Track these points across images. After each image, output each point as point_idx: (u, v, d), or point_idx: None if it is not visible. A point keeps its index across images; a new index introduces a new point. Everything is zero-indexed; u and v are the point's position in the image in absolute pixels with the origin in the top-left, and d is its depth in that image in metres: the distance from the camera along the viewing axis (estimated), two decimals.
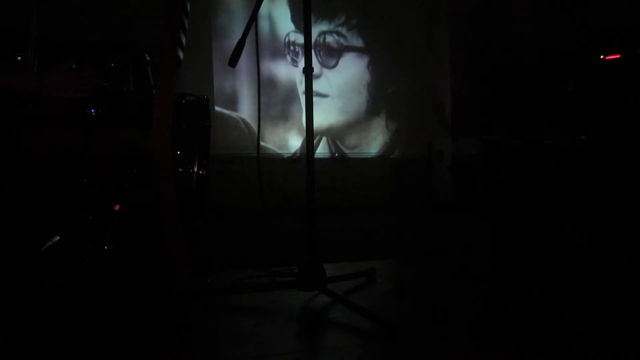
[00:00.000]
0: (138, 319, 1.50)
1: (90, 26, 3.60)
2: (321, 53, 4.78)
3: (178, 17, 1.75)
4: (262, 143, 4.55)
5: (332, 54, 4.82)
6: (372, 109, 4.97)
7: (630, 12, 3.87)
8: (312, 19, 1.67)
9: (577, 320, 1.47)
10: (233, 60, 1.58)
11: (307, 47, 1.60)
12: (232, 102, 4.49)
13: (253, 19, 1.62)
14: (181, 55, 1.90)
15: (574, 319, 1.47)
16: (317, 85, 4.61)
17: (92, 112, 1.83)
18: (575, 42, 4.28)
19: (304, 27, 1.61)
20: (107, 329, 1.42)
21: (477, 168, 4.16)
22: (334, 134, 4.85)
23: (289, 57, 4.68)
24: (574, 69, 2.83)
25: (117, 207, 1.85)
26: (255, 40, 1.83)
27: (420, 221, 3.89)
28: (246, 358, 1.21)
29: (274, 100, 4.60)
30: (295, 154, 4.68)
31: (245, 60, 3.80)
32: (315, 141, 4.40)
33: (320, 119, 4.73)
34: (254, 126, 4.49)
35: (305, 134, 1.64)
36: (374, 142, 4.99)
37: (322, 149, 4.81)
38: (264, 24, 4.57)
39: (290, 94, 4.66)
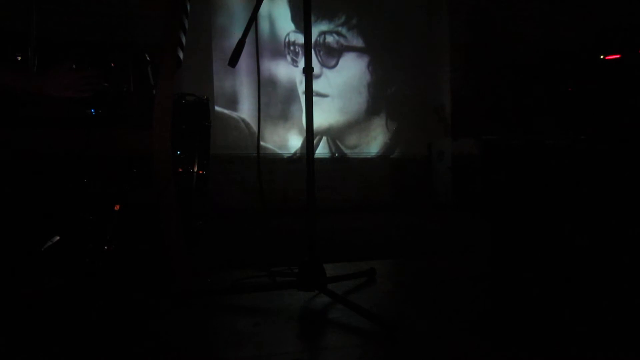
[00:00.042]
0: (138, 319, 1.50)
1: (90, 26, 3.60)
2: (321, 53, 4.78)
3: (178, 17, 1.75)
4: (262, 143, 4.55)
5: (332, 54, 4.82)
6: (372, 109, 4.97)
7: (630, 12, 3.87)
8: (312, 19, 1.67)
9: (577, 320, 1.47)
10: (233, 60, 1.58)
11: (307, 47, 1.60)
12: (232, 102, 4.49)
13: (253, 19, 1.62)
14: (181, 55, 1.91)
15: (574, 319, 1.47)
16: (317, 85, 4.61)
17: (92, 112, 1.83)
18: (575, 42, 4.28)
19: (304, 27, 1.61)
20: (107, 329, 1.42)
21: (477, 168, 4.15)
22: (334, 134, 4.85)
23: (289, 57, 4.68)
24: (574, 69, 2.83)
25: (117, 207, 1.85)
26: (255, 40, 1.83)
27: (420, 221, 3.89)
28: (246, 358, 1.21)
29: (274, 100, 4.60)
30: (295, 154, 4.68)
31: (245, 60, 3.80)
32: (315, 141, 4.40)
33: (320, 119, 4.73)
34: (254, 126, 4.49)
35: (305, 134, 1.64)
36: (374, 142, 4.99)
37: (322, 149, 4.81)
38: (264, 24, 4.57)
39: (290, 94, 4.66)
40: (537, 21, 4.75)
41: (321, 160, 4.69)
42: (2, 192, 1.68)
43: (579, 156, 2.15)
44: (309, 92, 1.60)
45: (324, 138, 4.82)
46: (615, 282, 1.84)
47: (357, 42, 4.91)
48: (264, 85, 4.43)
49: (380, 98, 4.99)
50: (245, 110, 4.53)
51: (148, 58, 2.09)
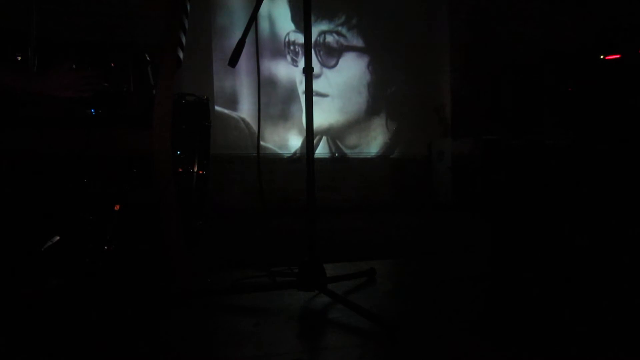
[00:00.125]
0: (138, 319, 1.50)
1: (90, 26, 3.60)
2: (321, 53, 4.78)
3: (178, 17, 1.75)
4: (262, 143, 4.55)
5: (332, 54, 4.82)
6: (372, 109, 4.97)
7: (630, 12, 3.87)
8: (312, 18, 1.67)
9: (577, 320, 1.47)
10: (233, 60, 1.58)
11: (307, 47, 1.60)
12: (232, 102, 4.49)
13: (253, 18, 1.62)
14: (181, 55, 1.91)
15: (574, 319, 1.47)
16: (317, 85, 4.61)
17: (92, 112, 1.83)
18: (575, 42, 4.28)
19: (304, 27, 1.61)
20: (107, 329, 1.42)
21: (477, 168, 4.16)
22: (334, 134, 4.85)
23: (289, 57, 4.68)
24: (574, 69, 2.83)
25: (117, 207, 1.85)
26: (255, 40, 1.83)
27: (420, 221, 3.89)
28: (246, 358, 1.21)
29: (274, 100, 4.60)
30: (295, 154, 4.68)
31: (245, 60, 3.80)
32: (315, 141, 4.40)
33: (320, 119, 4.73)
34: (254, 126, 4.49)
35: (305, 134, 1.64)
36: (374, 142, 4.99)
37: (322, 149, 4.81)
38: (264, 24, 4.57)
39: (290, 94, 4.66)
40: (537, 21, 4.75)
41: (321, 160, 4.69)
42: (2, 192, 1.68)
43: (579, 156, 2.14)
44: (309, 92, 1.60)
45: (324, 138, 4.82)
46: (615, 282, 1.84)
47: (357, 42, 4.91)
48: (264, 85, 4.43)
49: (380, 98, 4.99)
50: (245, 110, 4.53)
51: (148, 58, 2.09)
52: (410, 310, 1.61)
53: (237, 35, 2.01)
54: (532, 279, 1.95)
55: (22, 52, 1.80)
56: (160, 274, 1.83)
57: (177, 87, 1.79)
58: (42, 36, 1.84)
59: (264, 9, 4.52)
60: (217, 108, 4.37)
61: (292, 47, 4.68)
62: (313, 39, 4.58)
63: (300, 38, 4.60)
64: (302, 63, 3.18)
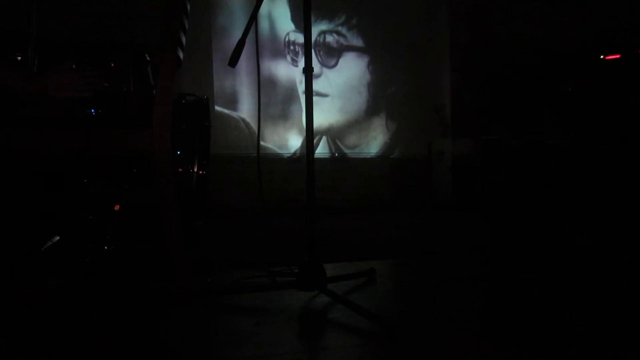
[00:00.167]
0: (138, 319, 1.50)
1: (90, 26, 3.60)
2: (321, 53, 4.78)
3: (178, 17, 1.75)
4: (262, 143, 4.55)
5: (332, 54, 4.82)
6: (372, 109, 4.97)
7: (630, 12, 3.87)
8: (312, 18, 1.67)
9: (577, 320, 1.47)
10: (233, 60, 1.58)
11: (307, 47, 1.60)
12: (232, 102, 4.49)
13: (253, 19, 1.62)
14: (181, 55, 1.91)
15: (574, 319, 1.47)
16: (317, 85, 4.61)
17: (92, 112, 1.83)
18: (575, 42, 4.28)
19: (304, 27, 1.61)
20: (107, 329, 1.42)
21: (477, 168, 4.16)
22: (334, 134, 4.85)
23: (289, 57, 4.68)
24: (574, 69, 2.83)
25: (117, 207, 1.85)
26: (255, 40, 1.83)
27: (420, 221, 3.89)
28: (246, 358, 1.21)
29: (274, 100, 4.60)
30: (295, 154, 4.68)
31: (245, 60, 3.80)
32: (315, 141, 4.40)
33: (320, 119, 4.73)
34: (254, 126, 4.49)
35: (305, 134, 1.64)
36: (374, 142, 5.00)
37: (322, 149, 4.81)
38: (264, 24, 4.57)
39: (290, 94, 4.66)
40: (537, 21, 4.75)
41: (321, 160, 4.69)
42: (2, 192, 1.68)
43: (579, 156, 2.15)
44: (309, 92, 1.60)
45: (324, 138, 4.82)
46: (615, 282, 1.84)
47: (357, 42, 4.91)
48: (264, 85, 4.43)
49: (380, 98, 4.99)
50: (245, 110, 4.53)
51: (148, 58, 2.09)
52: (410, 310, 1.61)
53: (237, 35, 2.01)
54: (532, 279, 1.95)
55: (22, 52, 1.80)
56: (160, 274, 1.83)
57: (177, 87, 1.79)
58: (42, 36, 1.84)
59: (264, 9, 4.52)
60: (217, 108, 4.37)
61: (292, 47, 4.68)
62: (313, 39, 4.58)
63: (300, 38, 4.60)
64: (302, 63, 3.18)
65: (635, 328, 1.40)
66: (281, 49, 4.65)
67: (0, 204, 1.68)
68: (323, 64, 4.78)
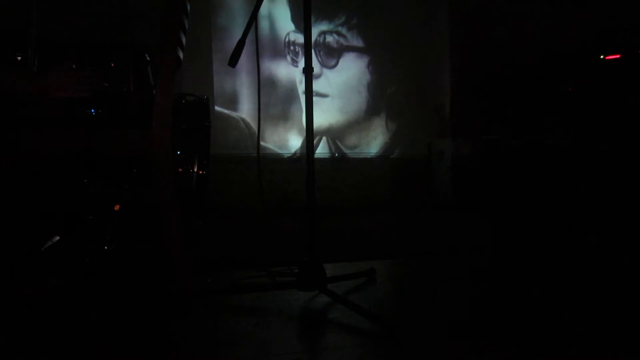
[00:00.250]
0: (138, 319, 1.50)
1: (90, 26, 3.60)
2: (321, 53, 4.78)
3: (178, 17, 1.75)
4: (262, 143, 4.55)
5: (332, 54, 4.82)
6: (372, 109, 4.97)
7: (630, 12, 3.87)
8: (312, 19, 1.67)
9: (577, 320, 1.47)
10: (233, 60, 1.58)
11: (307, 47, 1.60)
12: (232, 102, 4.49)
13: (253, 19, 1.62)
14: (181, 55, 1.90)
15: (574, 319, 1.47)
16: (317, 85, 4.61)
17: (92, 112, 1.83)
18: (575, 42, 4.28)
19: (304, 27, 1.61)
20: (107, 329, 1.42)
21: (477, 168, 4.16)
22: (334, 134, 4.85)
23: (289, 57, 4.68)
24: (574, 69, 2.83)
25: (117, 207, 1.85)
26: (255, 40, 1.83)
27: (420, 221, 3.89)
28: (246, 358, 1.21)
29: (274, 100, 4.60)
30: (295, 154, 4.68)
31: (245, 60, 3.80)
32: (315, 141, 4.40)
33: (320, 119, 4.73)
34: (254, 126, 4.49)
35: (305, 134, 1.64)
36: (374, 142, 5.00)
37: (322, 149, 4.81)
38: (264, 24, 4.57)
39: (290, 94, 4.66)
40: (537, 21, 4.75)
41: (321, 160, 4.69)
42: (2, 192, 1.68)
43: (579, 156, 2.15)
44: (309, 92, 1.60)
45: (324, 138, 4.82)
46: (615, 282, 1.84)
47: (357, 42, 4.91)
48: (264, 85, 4.43)
49: (380, 98, 4.99)
50: (245, 110, 4.53)
51: (148, 58, 2.09)
52: (410, 310, 1.62)
53: (237, 35, 2.01)
54: (532, 279, 1.95)
55: (22, 52, 1.80)
56: (160, 274, 1.83)
57: (177, 87, 1.79)
58: (42, 36, 1.84)
59: (264, 9, 4.52)
60: (217, 108, 4.37)
61: (292, 47, 4.68)
62: (313, 39, 4.58)
63: (300, 38, 4.60)
64: (302, 63, 3.18)
65: (635, 328, 1.40)
66: (281, 49, 4.65)
67: (0, 204, 1.68)
68: (323, 64, 4.78)
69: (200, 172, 2.15)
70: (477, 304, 1.69)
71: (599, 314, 1.52)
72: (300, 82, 4.63)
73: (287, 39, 4.67)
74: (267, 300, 1.66)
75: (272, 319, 1.49)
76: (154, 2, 3.74)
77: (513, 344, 1.29)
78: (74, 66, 1.72)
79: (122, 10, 3.80)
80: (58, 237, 1.76)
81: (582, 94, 2.66)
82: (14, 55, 1.81)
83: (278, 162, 4.58)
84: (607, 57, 2.59)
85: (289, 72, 4.65)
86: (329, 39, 4.81)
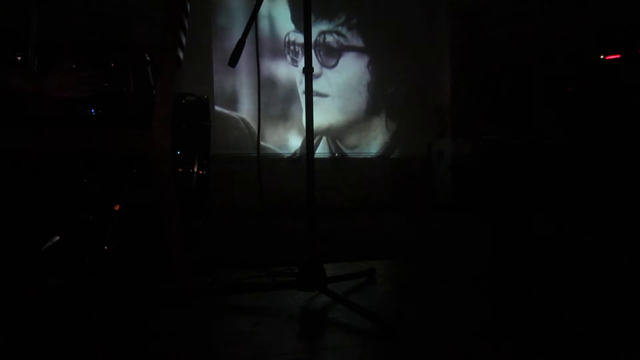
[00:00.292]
0: (138, 319, 1.50)
1: (90, 26, 3.60)
2: (321, 53, 4.78)
3: (178, 17, 1.75)
4: (262, 143, 4.55)
5: (332, 54, 4.82)
6: (372, 109, 4.97)
7: (630, 12, 3.87)
8: (312, 18, 1.68)
9: (577, 320, 1.47)
10: (233, 60, 1.58)
11: (307, 47, 1.60)
12: (232, 102, 4.49)
13: (253, 18, 1.62)
14: (181, 55, 1.90)
15: (574, 319, 1.47)
16: (317, 85, 4.61)
17: (92, 112, 1.83)
18: (575, 42, 4.28)
19: (304, 27, 1.61)
20: (107, 329, 1.42)
21: (477, 168, 4.16)
22: (334, 134, 4.85)
23: (289, 57, 4.68)
24: (574, 69, 2.83)
25: (117, 207, 1.85)
26: (255, 40, 1.83)
27: (420, 221, 3.89)
28: (246, 358, 1.21)
29: (274, 100, 4.60)
30: (295, 154, 4.68)
31: (245, 60, 3.81)
32: (315, 141, 4.40)
33: (320, 119, 4.73)
34: (254, 126, 4.49)
35: (305, 134, 1.65)
36: (374, 142, 5.00)
37: (322, 149, 4.81)
38: (264, 24, 4.57)
39: (290, 94, 4.66)
40: (537, 21, 4.75)
41: (321, 160, 4.69)
42: (2, 192, 1.68)
43: (579, 156, 2.15)
44: (309, 92, 1.60)
45: (324, 138, 4.82)
46: (615, 282, 1.84)
47: (357, 42, 4.91)
48: (264, 85, 4.43)
49: (380, 98, 4.99)
50: (245, 110, 4.53)
51: (148, 58, 2.09)
52: (410, 310, 1.62)
53: (237, 35, 2.02)
54: (532, 279, 1.95)
55: (22, 52, 1.80)
56: (160, 274, 1.83)
57: (177, 87, 1.79)
58: (42, 36, 1.84)
59: (264, 9, 4.52)
60: (217, 108, 4.37)
61: (292, 47, 4.68)
62: (313, 39, 4.58)
63: (300, 38, 4.60)
64: (302, 63, 3.18)
65: (635, 328, 1.40)
66: (281, 49, 4.65)
67: (0, 204, 1.68)
68: (323, 64, 4.78)
69: (200, 172, 2.15)
70: (477, 304, 1.69)
71: (599, 314, 1.52)
72: (300, 82, 4.63)
73: (287, 39, 4.67)
74: (267, 300, 1.66)
75: (272, 319, 1.50)
76: (154, 2, 3.75)
77: (513, 344, 1.29)
78: (74, 66, 1.72)
79: (122, 10, 3.80)
80: (58, 237, 1.76)
81: (582, 94, 2.66)
82: (14, 55, 1.81)
83: (278, 162, 4.58)
84: (607, 57, 2.59)
85: (289, 72, 4.65)
86: (329, 38, 4.81)
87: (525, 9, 4.77)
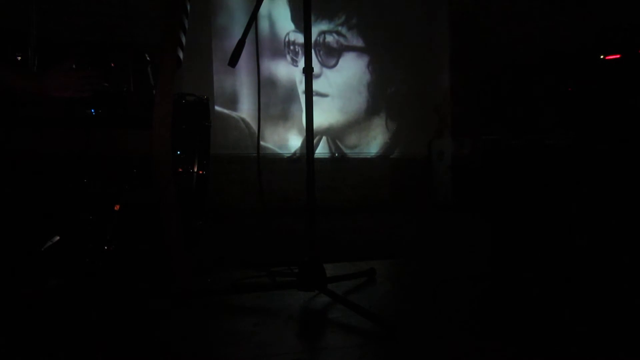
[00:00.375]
0: (138, 319, 1.50)
1: (90, 26, 3.60)
2: (321, 53, 4.78)
3: (178, 17, 1.75)
4: (262, 143, 4.55)
5: (332, 54, 4.82)
6: (372, 109, 4.97)
7: (630, 12, 3.87)
8: (312, 18, 1.67)
9: (577, 320, 1.47)
10: (233, 60, 1.58)
11: (307, 47, 1.60)
12: (232, 102, 4.49)
13: (253, 18, 1.62)
14: (181, 55, 1.91)
15: (574, 319, 1.47)
16: (317, 85, 4.61)
17: (92, 112, 1.83)
18: (575, 42, 4.28)
19: (304, 27, 1.61)
20: (107, 329, 1.42)
21: (477, 168, 4.16)
22: (334, 134, 4.85)
23: (289, 57, 4.68)
24: (574, 69, 2.83)
25: (117, 207, 1.85)
26: (255, 40, 1.83)
27: (420, 221, 3.89)
28: (246, 358, 1.21)
29: (274, 100, 4.60)
30: (295, 154, 4.68)
31: (245, 60, 3.80)
32: (315, 141, 4.40)
33: (320, 119, 4.73)
34: (254, 126, 4.49)
35: (305, 134, 1.65)
36: (374, 142, 4.99)
37: (322, 149, 4.81)
38: (264, 24, 4.57)
39: (290, 94, 4.66)
40: (537, 21, 4.75)
41: (321, 160, 4.69)
42: (2, 192, 1.68)
43: (579, 156, 2.15)
44: (309, 92, 1.60)
45: (324, 138, 4.82)
46: (615, 282, 1.84)
47: (357, 42, 4.91)
48: (264, 85, 4.43)
49: (380, 98, 4.99)
50: (245, 110, 4.53)
51: (148, 58, 2.09)
52: (410, 310, 1.62)
53: (237, 35, 2.02)
54: (532, 279, 1.95)
55: (22, 52, 1.80)
56: (160, 274, 1.83)
57: (177, 87, 1.79)
58: (42, 36, 1.84)
59: (264, 9, 4.52)
60: (217, 108, 4.37)
61: (292, 47, 4.68)
62: (313, 39, 4.58)
63: (300, 38, 4.60)
64: (302, 63, 3.18)
65: (635, 328, 1.40)
66: (281, 49, 4.65)
67: (0, 204, 1.68)
68: (323, 64, 4.78)
69: (200, 172, 2.15)
70: (477, 304, 1.69)
71: (599, 314, 1.52)
72: (300, 82, 4.63)
73: (287, 39, 4.67)
74: (267, 300, 1.66)
75: (272, 319, 1.50)
76: (154, 2, 3.74)
77: (513, 344, 1.29)
78: (74, 66, 1.72)
79: (122, 10, 3.80)
80: (58, 237, 1.76)
81: (582, 94, 2.66)
82: (14, 55, 1.81)
83: (278, 162, 4.58)
84: (607, 57, 2.59)
85: (289, 72, 4.65)
86: (329, 38, 4.81)
87: (525, 9, 4.77)
